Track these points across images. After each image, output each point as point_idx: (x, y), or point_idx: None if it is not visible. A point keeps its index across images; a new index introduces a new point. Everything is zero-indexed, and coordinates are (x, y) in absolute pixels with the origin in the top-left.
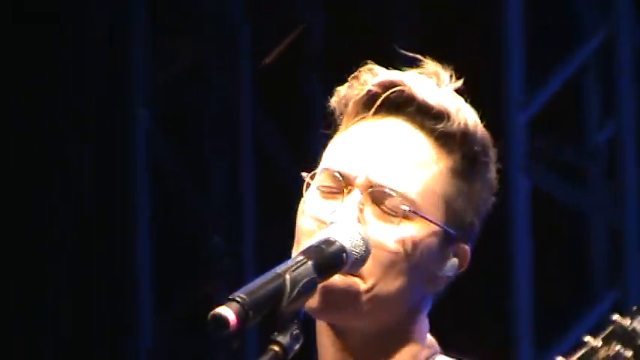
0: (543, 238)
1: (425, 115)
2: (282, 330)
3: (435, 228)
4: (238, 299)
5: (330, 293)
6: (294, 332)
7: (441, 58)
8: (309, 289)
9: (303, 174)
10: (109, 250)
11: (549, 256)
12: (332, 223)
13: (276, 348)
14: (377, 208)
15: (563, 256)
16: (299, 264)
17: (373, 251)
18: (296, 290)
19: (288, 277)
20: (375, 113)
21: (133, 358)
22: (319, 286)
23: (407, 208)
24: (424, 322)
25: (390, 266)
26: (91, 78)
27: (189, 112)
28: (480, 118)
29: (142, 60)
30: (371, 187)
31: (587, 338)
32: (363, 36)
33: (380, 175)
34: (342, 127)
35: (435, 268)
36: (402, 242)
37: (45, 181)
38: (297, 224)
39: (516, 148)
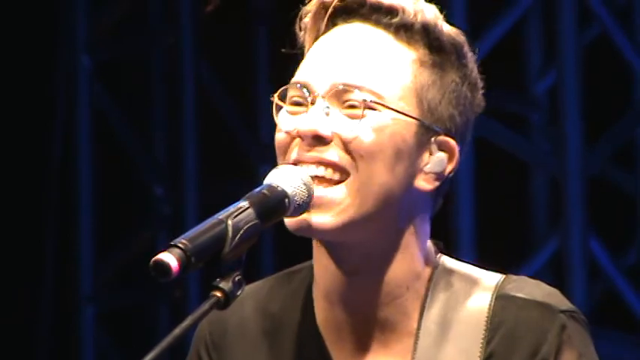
0: (486, 187)
1: (379, 13)
2: (225, 276)
3: (406, 118)
4: (180, 245)
5: (317, 205)
6: (237, 278)
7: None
8: (251, 234)
9: (272, 97)
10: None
11: (492, 204)
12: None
13: (218, 294)
14: (342, 107)
15: (506, 204)
16: (241, 210)
17: (351, 148)
18: (238, 236)
19: (230, 222)
20: (332, 24)
21: (73, 307)
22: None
23: (370, 98)
24: (423, 228)
25: (370, 157)
26: (33, 23)
27: (130, 62)
28: None
29: (83, 7)
30: (335, 89)
31: None
32: None
33: (342, 76)
34: (306, 46)
35: (419, 161)
36: (376, 131)
37: None
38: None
39: None
